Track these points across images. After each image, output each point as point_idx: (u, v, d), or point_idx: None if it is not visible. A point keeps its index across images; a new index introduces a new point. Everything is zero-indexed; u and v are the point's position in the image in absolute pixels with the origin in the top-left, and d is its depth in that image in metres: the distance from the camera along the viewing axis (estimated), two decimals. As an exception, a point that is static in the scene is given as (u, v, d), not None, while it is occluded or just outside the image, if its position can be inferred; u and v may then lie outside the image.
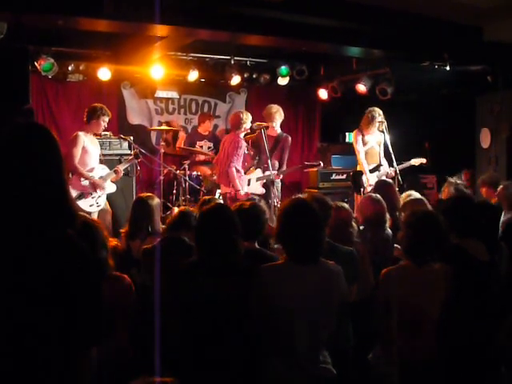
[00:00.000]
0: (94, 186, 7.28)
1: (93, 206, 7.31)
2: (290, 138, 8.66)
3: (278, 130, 8.58)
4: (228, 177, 7.82)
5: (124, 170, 7.85)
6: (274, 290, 3.27)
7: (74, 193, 7.15)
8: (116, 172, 7.63)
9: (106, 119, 7.44)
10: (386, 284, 3.73)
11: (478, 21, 8.31)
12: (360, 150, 8.54)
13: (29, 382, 1.86)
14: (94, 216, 7.18)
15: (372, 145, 8.56)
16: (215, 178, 8.96)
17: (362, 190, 8.35)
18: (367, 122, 8.47)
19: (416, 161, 8.46)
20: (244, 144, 7.92)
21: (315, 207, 3.48)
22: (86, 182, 7.27)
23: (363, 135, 8.57)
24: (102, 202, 7.41)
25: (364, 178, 8.34)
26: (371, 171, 8.45)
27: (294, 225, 3.36)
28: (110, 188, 7.57)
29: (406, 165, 8.39)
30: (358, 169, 8.54)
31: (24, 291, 1.85)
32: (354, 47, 8.44)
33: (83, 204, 7.21)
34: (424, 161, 8.53)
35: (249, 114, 8.15)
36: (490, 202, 5.62)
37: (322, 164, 8.56)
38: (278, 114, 8.52)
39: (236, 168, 7.78)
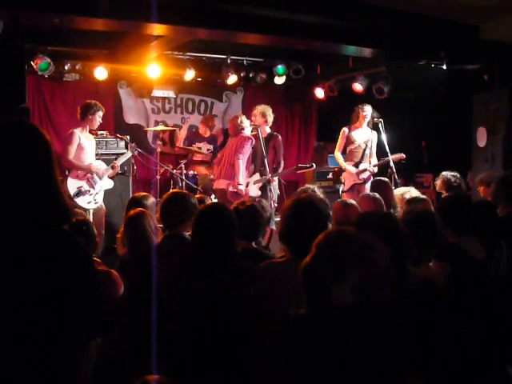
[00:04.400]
0: (93, 179, 7.27)
1: (90, 203, 7.31)
2: (280, 137, 8.60)
3: (268, 130, 8.55)
4: (233, 169, 7.76)
5: (121, 165, 7.84)
6: (274, 286, 3.27)
7: (71, 190, 7.16)
8: (113, 167, 7.64)
9: (101, 114, 7.44)
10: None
11: (474, 19, 8.33)
12: (339, 145, 8.70)
13: (30, 375, 1.86)
14: (90, 213, 7.19)
15: (359, 143, 8.60)
16: (212, 177, 8.95)
17: (340, 188, 8.49)
18: (354, 118, 8.57)
19: (395, 157, 8.39)
20: (253, 140, 7.86)
21: (320, 206, 3.48)
22: (83, 180, 7.26)
23: (350, 134, 8.63)
24: (100, 199, 7.41)
25: (342, 176, 8.46)
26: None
27: (298, 223, 3.36)
28: (108, 184, 7.57)
29: (383, 162, 8.36)
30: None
31: (23, 287, 1.85)
32: (350, 46, 8.45)
33: (81, 201, 7.21)
34: (403, 156, 8.48)
35: (244, 117, 8.13)
36: (487, 200, 5.62)
37: (314, 166, 8.56)
38: (270, 114, 8.48)
39: (243, 161, 7.73)
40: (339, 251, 2.64)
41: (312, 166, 8.49)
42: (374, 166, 8.48)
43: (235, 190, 7.63)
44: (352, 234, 2.76)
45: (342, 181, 8.62)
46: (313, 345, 2.59)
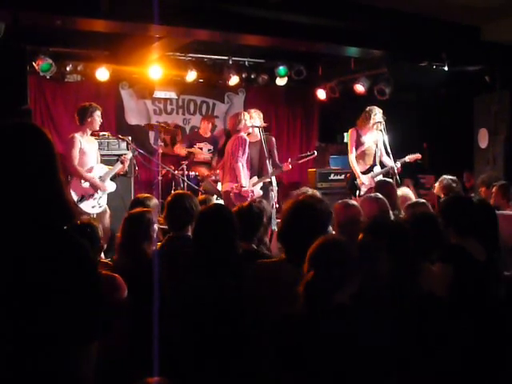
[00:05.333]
0: (95, 187, 7.26)
1: (95, 207, 7.27)
2: (273, 138, 8.47)
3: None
4: (234, 172, 7.76)
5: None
6: (264, 286, 3.28)
7: (75, 195, 7.12)
8: (122, 162, 7.58)
9: (99, 113, 7.34)
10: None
11: (475, 21, 8.33)
12: (351, 149, 8.47)
13: (29, 375, 1.86)
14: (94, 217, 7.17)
15: (369, 145, 8.49)
16: (213, 178, 8.96)
17: (357, 192, 8.37)
18: (362, 120, 8.42)
19: (411, 157, 8.38)
20: (247, 140, 7.87)
21: (319, 208, 3.48)
22: (86, 184, 7.23)
23: (359, 135, 8.51)
24: (104, 203, 7.37)
25: (357, 180, 8.34)
26: (364, 172, 8.40)
27: (295, 224, 3.37)
28: (111, 187, 7.54)
29: (400, 162, 8.32)
30: None
31: (23, 287, 1.85)
32: (352, 47, 8.45)
33: (85, 206, 7.17)
34: (419, 156, 8.45)
35: (246, 114, 8.09)
36: (488, 201, 5.62)
37: (315, 153, 8.50)
38: (257, 116, 8.20)
39: (242, 164, 7.72)
40: (338, 267, 2.69)
41: (314, 153, 8.44)
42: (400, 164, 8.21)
43: (238, 191, 7.63)
44: (346, 246, 2.81)
45: (359, 186, 8.35)
46: (308, 342, 2.62)
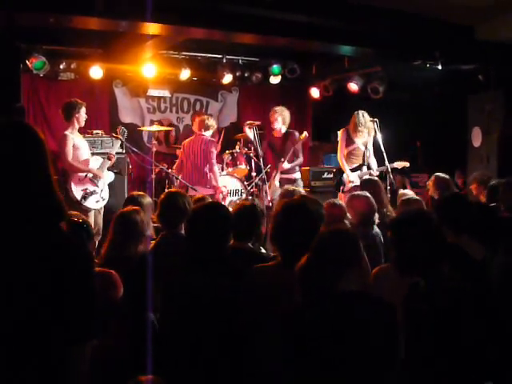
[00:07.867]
0: (95, 176, 7.26)
1: (99, 201, 7.28)
2: (296, 133, 8.82)
3: (283, 130, 8.75)
4: (209, 177, 8.05)
5: (116, 165, 7.80)
6: (263, 291, 3.26)
7: (78, 195, 7.10)
8: (110, 158, 7.57)
9: (85, 109, 7.35)
10: (375, 283, 3.72)
11: (469, 20, 8.35)
12: (341, 148, 8.52)
13: (24, 375, 1.86)
14: (91, 214, 7.17)
15: (358, 145, 8.50)
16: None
17: (341, 188, 8.41)
18: (353, 128, 8.41)
19: (399, 164, 8.36)
20: (215, 143, 8.26)
21: (312, 210, 3.47)
22: (89, 175, 7.23)
23: (350, 135, 8.53)
24: (106, 195, 7.38)
25: (344, 176, 8.38)
26: (352, 170, 8.41)
27: (287, 227, 3.35)
28: (109, 177, 7.54)
29: (386, 169, 8.24)
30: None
31: (19, 288, 1.84)
32: (346, 46, 8.45)
33: (90, 203, 7.18)
34: (407, 164, 8.47)
35: (210, 118, 8.54)
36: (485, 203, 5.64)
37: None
38: (279, 115, 8.70)
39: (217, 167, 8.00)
40: (334, 255, 2.69)
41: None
42: (377, 170, 8.33)
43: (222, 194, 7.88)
44: (344, 235, 2.81)
45: (344, 181, 8.43)
46: (310, 331, 2.62)
